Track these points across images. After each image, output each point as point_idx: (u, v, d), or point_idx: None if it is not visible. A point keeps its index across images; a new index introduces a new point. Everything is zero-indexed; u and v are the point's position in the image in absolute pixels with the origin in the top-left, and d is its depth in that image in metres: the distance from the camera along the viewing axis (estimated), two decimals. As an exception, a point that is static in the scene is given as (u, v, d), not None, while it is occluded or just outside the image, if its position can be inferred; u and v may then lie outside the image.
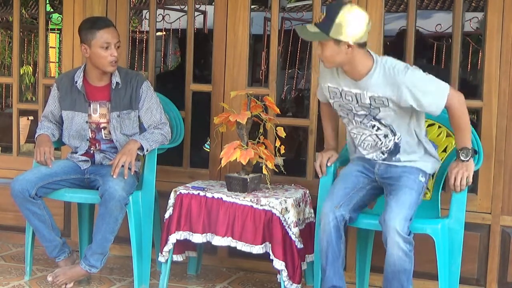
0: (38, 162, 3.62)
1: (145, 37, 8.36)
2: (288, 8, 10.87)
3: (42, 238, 3.65)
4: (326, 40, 3.08)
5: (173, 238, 3.51)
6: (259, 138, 3.60)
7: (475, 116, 4.43)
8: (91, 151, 3.78)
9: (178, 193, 3.54)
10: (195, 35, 4.25)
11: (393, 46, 4.50)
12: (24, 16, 9.01)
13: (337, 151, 3.58)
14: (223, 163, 3.50)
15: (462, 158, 3.16)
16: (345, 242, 3.28)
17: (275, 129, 3.53)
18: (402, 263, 3.05)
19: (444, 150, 3.58)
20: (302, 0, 12.33)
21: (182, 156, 4.21)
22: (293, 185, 3.79)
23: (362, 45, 3.12)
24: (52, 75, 9.24)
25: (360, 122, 3.25)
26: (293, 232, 3.36)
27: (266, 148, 3.59)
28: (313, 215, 3.63)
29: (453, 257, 3.24)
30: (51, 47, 10.34)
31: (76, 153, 3.78)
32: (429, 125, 3.65)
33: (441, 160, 3.57)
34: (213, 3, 4.32)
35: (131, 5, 4.60)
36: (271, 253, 3.35)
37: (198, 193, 3.50)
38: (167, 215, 3.56)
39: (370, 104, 3.16)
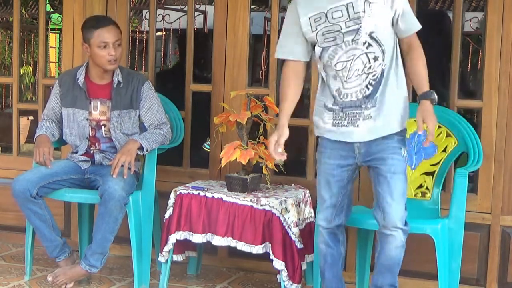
0: (37, 162, 3.62)
1: (145, 37, 8.36)
2: (288, 8, 10.84)
3: (43, 238, 3.65)
4: None
5: (173, 238, 3.51)
6: (259, 138, 3.60)
7: (475, 116, 4.43)
8: (91, 151, 3.78)
9: (178, 193, 3.54)
10: (195, 35, 4.25)
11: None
12: (24, 16, 9.00)
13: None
14: (223, 163, 3.50)
15: (433, 97, 2.92)
16: (345, 243, 3.27)
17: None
18: (399, 255, 3.04)
19: (444, 150, 3.58)
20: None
21: (182, 156, 4.21)
22: (293, 185, 3.79)
23: None
24: (52, 75, 9.24)
25: (352, 40, 2.95)
26: (293, 232, 3.36)
27: (266, 148, 3.59)
28: (313, 215, 3.63)
29: (453, 257, 3.24)
30: (51, 47, 10.34)
31: (76, 153, 3.79)
32: (429, 125, 3.65)
33: (442, 159, 3.57)
34: (213, 3, 4.33)
35: (131, 5, 4.60)
36: (271, 253, 3.35)
37: (198, 193, 3.50)
38: (167, 215, 3.56)
39: (364, 12, 2.92)
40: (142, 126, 3.77)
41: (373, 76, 2.97)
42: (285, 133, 3.08)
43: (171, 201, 3.56)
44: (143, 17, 10.44)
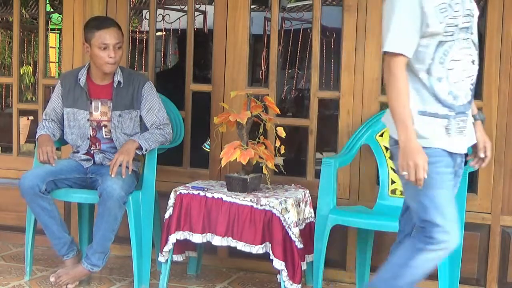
0: (41, 162, 3.62)
1: (145, 37, 8.35)
2: (288, 8, 10.84)
3: (51, 235, 3.64)
4: None
5: (173, 238, 3.51)
6: (259, 138, 3.60)
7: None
8: (92, 151, 3.78)
9: (178, 193, 3.54)
10: (195, 35, 4.25)
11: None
12: (24, 16, 8.99)
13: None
14: (223, 163, 3.50)
15: (484, 118, 2.69)
16: None
17: (275, 129, 3.53)
18: None
19: (444, 150, 3.58)
20: (302, 0, 12.33)
21: (182, 156, 4.21)
22: (293, 185, 3.79)
23: None
24: (52, 75, 9.24)
25: (463, 39, 2.61)
26: (293, 232, 3.36)
27: (266, 148, 3.59)
28: (313, 215, 3.63)
29: (453, 257, 3.24)
30: (51, 47, 10.33)
31: (77, 152, 3.79)
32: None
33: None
34: (213, 3, 4.33)
35: (131, 5, 4.60)
36: (271, 253, 3.35)
37: (198, 193, 3.50)
38: (167, 215, 3.56)
39: (473, 10, 2.65)
40: (144, 127, 3.77)
41: (472, 80, 2.67)
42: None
43: (171, 201, 3.56)
44: (143, 17, 10.43)
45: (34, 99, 8.92)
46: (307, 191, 3.67)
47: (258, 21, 8.04)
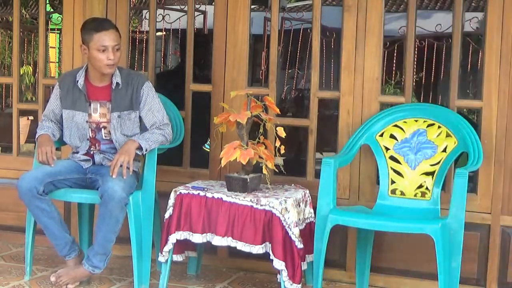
0: (40, 162, 3.62)
1: (145, 37, 8.35)
2: (288, 8, 10.85)
3: (52, 236, 3.64)
4: None
5: (173, 238, 3.51)
6: (259, 138, 3.60)
7: (475, 116, 4.44)
8: (91, 152, 3.78)
9: (178, 193, 3.54)
10: (195, 35, 4.25)
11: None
12: (24, 16, 9.00)
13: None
14: (223, 163, 3.50)
15: None
16: None
17: (275, 129, 3.53)
18: None
19: (444, 150, 3.58)
20: (302, 0, 12.33)
21: (182, 156, 4.21)
22: (293, 185, 3.79)
23: None
24: (52, 75, 9.24)
25: None
26: (293, 232, 3.36)
27: (266, 148, 3.59)
28: (313, 215, 3.63)
29: (453, 257, 3.24)
30: (51, 47, 10.33)
31: (77, 153, 3.79)
32: (429, 125, 3.66)
33: (442, 159, 3.58)
34: (213, 3, 4.33)
35: (131, 5, 4.60)
36: (271, 253, 3.35)
37: (198, 193, 3.50)
38: (167, 215, 3.56)
39: None
40: (144, 127, 3.76)
41: None
42: None
43: (171, 201, 3.56)
44: (143, 17, 10.43)
45: (34, 99, 8.92)
46: (307, 191, 3.67)
47: (258, 21, 8.04)
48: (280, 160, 3.78)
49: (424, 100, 8.24)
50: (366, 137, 3.73)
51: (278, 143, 3.54)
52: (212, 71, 4.16)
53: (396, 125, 3.71)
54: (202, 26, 7.85)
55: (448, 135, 3.59)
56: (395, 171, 3.66)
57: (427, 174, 3.59)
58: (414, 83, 4.06)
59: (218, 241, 3.42)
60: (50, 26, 8.37)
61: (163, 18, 5.72)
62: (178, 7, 6.86)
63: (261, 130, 3.62)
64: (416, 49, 5.73)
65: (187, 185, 3.64)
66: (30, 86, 10.63)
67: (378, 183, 3.76)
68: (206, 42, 4.88)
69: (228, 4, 4.06)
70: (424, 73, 8.59)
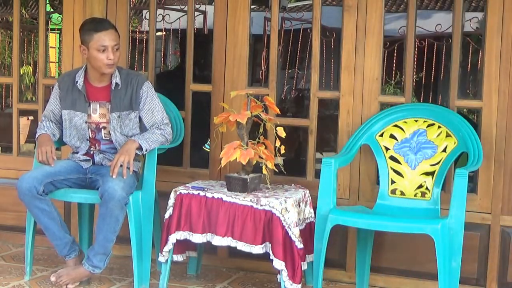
0: (40, 161, 3.62)
1: (145, 37, 8.36)
2: (288, 8, 10.85)
3: (52, 236, 3.64)
4: None
5: (173, 238, 3.51)
6: (259, 138, 3.60)
7: (475, 116, 4.44)
8: (91, 152, 3.78)
9: (178, 193, 3.54)
10: (195, 35, 4.25)
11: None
12: (24, 16, 8.98)
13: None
14: (223, 163, 3.50)
15: None
16: None
17: (275, 129, 3.53)
18: None
19: (444, 150, 3.59)
20: (302, 0, 12.33)
21: (182, 156, 4.21)
22: (293, 185, 3.79)
23: None
24: (52, 75, 9.23)
25: None
26: (293, 232, 3.36)
27: (266, 148, 3.59)
28: (313, 215, 3.63)
29: (453, 257, 3.24)
30: (51, 47, 10.32)
31: (77, 153, 3.79)
32: (429, 125, 3.66)
33: (442, 159, 3.58)
34: (213, 3, 4.33)
35: (131, 5, 4.60)
36: (271, 253, 3.35)
37: (198, 193, 3.50)
38: (167, 215, 3.56)
39: None
40: (144, 127, 3.76)
41: None
42: None
43: (171, 201, 3.56)
44: (143, 17, 10.43)
45: (34, 99, 8.92)
46: (307, 191, 3.67)
47: (258, 21, 8.04)
48: (280, 160, 3.78)
49: (424, 100, 8.25)
50: (366, 137, 3.73)
51: (278, 143, 3.54)
52: (212, 71, 4.16)
53: (396, 125, 3.71)
54: (202, 26, 7.85)
55: (448, 135, 3.59)
56: (395, 171, 3.66)
57: (427, 174, 3.60)
58: (414, 83, 4.05)
59: (218, 241, 3.42)
60: (50, 26, 8.37)
61: (163, 18, 5.72)
62: (178, 7, 6.87)
63: (261, 130, 3.62)
64: (416, 49, 5.73)
65: (187, 185, 3.64)
66: (30, 86, 10.63)
67: (378, 183, 3.76)
68: (206, 42, 4.88)
69: (228, 4, 4.06)
70: (424, 73, 8.60)
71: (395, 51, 7.39)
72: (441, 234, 3.18)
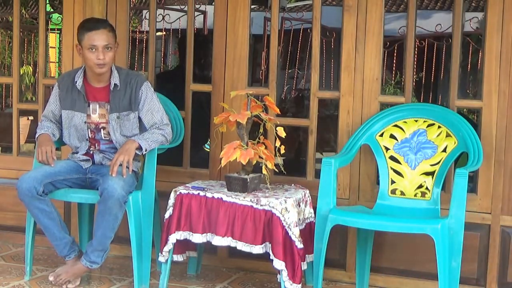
0: (40, 161, 3.63)
1: (145, 37, 8.36)
2: (288, 8, 10.86)
3: (52, 237, 3.64)
4: None
5: (173, 238, 3.51)
6: (259, 138, 3.60)
7: (475, 116, 4.44)
8: (91, 152, 3.79)
9: (178, 193, 3.54)
10: (195, 35, 4.25)
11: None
12: (24, 16, 8.99)
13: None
14: (223, 163, 3.50)
15: None
16: None
17: (275, 129, 3.53)
18: None
19: (444, 150, 3.58)
20: (302, 0, 12.34)
21: (182, 156, 4.21)
22: (293, 185, 3.79)
23: None
24: (52, 75, 9.24)
25: None
26: (293, 232, 3.36)
27: (266, 148, 3.59)
28: (313, 215, 3.63)
29: (453, 257, 3.24)
30: (51, 47, 10.33)
31: (77, 153, 3.79)
32: (429, 125, 3.66)
33: (442, 159, 3.58)
34: (213, 3, 4.33)
35: (131, 5, 4.60)
36: (271, 253, 3.35)
37: (198, 193, 3.50)
38: (167, 215, 3.56)
39: None
40: (144, 127, 3.76)
41: None
42: None
43: (171, 201, 3.56)
44: (143, 17, 10.43)
45: (34, 99, 8.93)
46: (307, 191, 3.67)
47: (258, 21, 8.04)
48: (280, 160, 3.78)
49: (424, 100, 8.25)
50: (366, 137, 3.73)
51: (278, 143, 3.54)
52: (212, 71, 4.16)
53: (396, 125, 3.71)
54: (202, 26, 7.85)
55: (448, 135, 3.59)
56: (395, 171, 3.66)
57: (427, 174, 3.60)
58: (414, 83, 4.05)
59: (218, 241, 3.41)
60: (50, 26, 8.38)
61: (163, 18, 5.72)
62: (178, 7, 6.87)
63: (261, 130, 3.61)
64: (416, 49, 5.73)
65: (187, 185, 3.64)
66: (30, 86, 10.64)
67: (378, 183, 3.76)
68: (206, 42, 4.88)
69: (228, 4, 4.06)
70: (424, 73, 8.60)
71: (395, 51, 7.39)
72: (441, 234, 3.18)
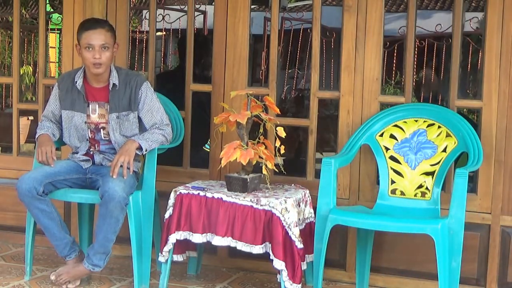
0: (40, 162, 3.63)
1: (145, 37, 8.36)
2: (288, 8, 10.85)
3: (52, 237, 3.64)
4: None
5: (173, 238, 3.51)
6: (259, 138, 3.60)
7: (475, 116, 4.44)
8: (91, 152, 3.78)
9: (178, 193, 3.54)
10: (195, 35, 4.25)
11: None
12: (24, 16, 8.99)
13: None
14: (223, 163, 3.50)
15: None
16: None
17: (275, 129, 3.53)
18: None
19: (444, 150, 3.59)
20: (302, 0, 12.34)
21: (182, 156, 4.21)
22: (293, 185, 3.79)
23: None
24: (52, 75, 9.23)
25: None
26: (293, 232, 3.36)
27: (266, 148, 3.59)
28: (313, 215, 3.63)
29: (453, 257, 3.24)
30: (51, 47, 10.32)
31: (77, 153, 3.79)
32: (429, 125, 3.66)
33: (442, 159, 3.58)
34: (213, 3, 4.33)
35: (131, 5, 4.60)
36: (271, 253, 3.35)
37: (198, 193, 3.50)
38: (167, 215, 3.56)
39: None
40: (144, 128, 3.76)
41: None
42: None
43: (171, 201, 3.56)
44: (143, 17, 10.43)
45: (34, 99, 8.91)
46: (307, 191, 3.67)
47: (258, 21, 8.04)
48: (280, 160, 3.79)
49: (424, 100, 8.25)
50: (366, 137, 3.73)
51: (278, 143, 3.54)
52: (212, 71, 4.16)
53: (396, 125, 3.71)
54: (202, 26, 7.85)
55: (448, 135, 3.59)
56: (395, 171, 3.66)
57: (427, 174, 3.60)
58: (414, 83, 4.05)
59: (218, 241, 3.42)
60: (50, 26, 8.37)
61: (163, 18, 5.72)
62: (178, 7, 6.86)
63: (261, 130, 3.62)
64: (416, 49, 5.73)
65: (187, 185, 3.64)
66: (30, 86, 10.63)
67: (378, 183, 3.76)
68: (206, 42, 4.88)
69: (228, 4, 4.06)
70: (424, 73, 8.59)
71: (395, 51, 7.38)
72: (441, 234, 3.18)
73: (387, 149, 3.69)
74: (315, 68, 3.99)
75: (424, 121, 3.67)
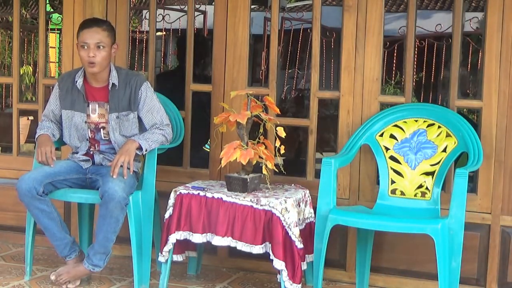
0: (40, 162, 3.62)
1: (145, 37, 8.36)
2: (288, 8, 10.86)
3: (52, 237, 3.64)
4: None
5: (173, 238, 3.51)
6: (259, 138, 3.60)
7: (475, 116, 4.44)
8: (91, 152, 3.78)
9: (178, 193, 3.54)
10: (195, 35, 4.25)
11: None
12: (24, 16, 9.00)
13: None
14: (223, 163, 3.50)
15: None
16: None
17: (275, 129, 3.53)
18: None
19: (444, 150, 3.59)
20: (302, 0, 12.34)
21: (182, 156, 4.21)
22: (293, 185, 3.79)
23: None
24: (52, 75, 9.24)
25: None
26: (293, 232, 3.36)
27: (266, 148, 3.59)
28: (313, 215, 3.63)
29: (453, 257, 3.24)
30: (51, 47, 10.32)
31: (77, 153, 3.79)
32: (429, 125, 3.66)
33: (442, 159, 3.58)
34: (213, 3, 4.33)
35: (131, 5, 4.60)
36: (271, 253, 3.35)
37: (198, 193, 3.50)
38: (167, 215, 3.56)
39: None
40: (144, 128, 3.76)
41: None
42: None
43: (171, 201, 3.56)
44: (143, 17, 10.44)
45: (34, 99, 8.92)
46: (307, 191, 3.67)
47: (258, 21, 8.04)
48: (280, 160, 3.79)
49: (424, 100, 8.25)
50: (366, 137, 3.73)
51: (278, 143, 3.54)
52: (212, 71, 4.16)
53: (396, 125, 3.71)
54: (202, 26, 7.85)
55: (448, 135, 3.59)
56: (395, 171, 3.66)
57: (427, 174, 3.60)
58: (414, 83, 4.05)
59: (218, 241, 3.42)
60: (50, 26, 8.38)
61: (163, 18, 5.73)
62: (178, 7, 6.87)
63: (261, 130, 3.62)
64: (416, 49, 5.73)
65: (187, 185, 3.64)
66: (30, 86, 10.63)
67: (378, 183, 3.76)
68: (206, 42, 4.88)
69: (228, 4, 4.06)
70: (424, 73, 8.59)
71: (395, 51, 7.39)
72: (441, 234, 3.18)
73: (387, 149, 3.69)
74: (315, 68, 3.99)
75: (424, 121, 3.67)
